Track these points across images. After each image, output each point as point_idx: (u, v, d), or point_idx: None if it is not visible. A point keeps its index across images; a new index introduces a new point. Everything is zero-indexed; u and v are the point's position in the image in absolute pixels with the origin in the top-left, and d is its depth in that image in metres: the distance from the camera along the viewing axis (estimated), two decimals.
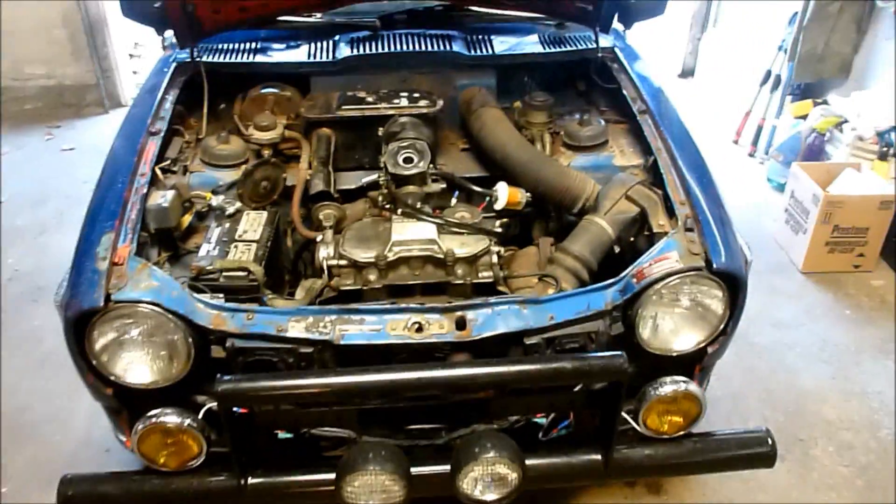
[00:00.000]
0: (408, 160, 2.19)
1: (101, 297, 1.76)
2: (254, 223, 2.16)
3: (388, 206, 2.16)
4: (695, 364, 2.06)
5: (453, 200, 2.25)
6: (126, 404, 1.95)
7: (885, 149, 3.93)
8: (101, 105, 5.69)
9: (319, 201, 2.20)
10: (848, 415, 2.95)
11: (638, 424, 1.93)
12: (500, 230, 2.10)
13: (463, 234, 2.04)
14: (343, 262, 1.98)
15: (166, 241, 2.18)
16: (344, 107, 2.37)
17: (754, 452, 2.00)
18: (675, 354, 1.95)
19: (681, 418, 1.95)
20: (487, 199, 2.25)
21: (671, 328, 1.94)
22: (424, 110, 2.38)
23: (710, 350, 2.00)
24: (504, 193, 2.20)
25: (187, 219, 2.22)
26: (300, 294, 2.12)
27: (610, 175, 2.38)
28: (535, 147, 2.36)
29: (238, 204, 2.21)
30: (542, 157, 2.30)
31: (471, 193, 2.28)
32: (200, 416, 1.83)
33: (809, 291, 3.71)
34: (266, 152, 2.34)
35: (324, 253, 2.00)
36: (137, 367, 1.83)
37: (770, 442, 1.98)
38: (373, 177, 2.33)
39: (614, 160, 2.44)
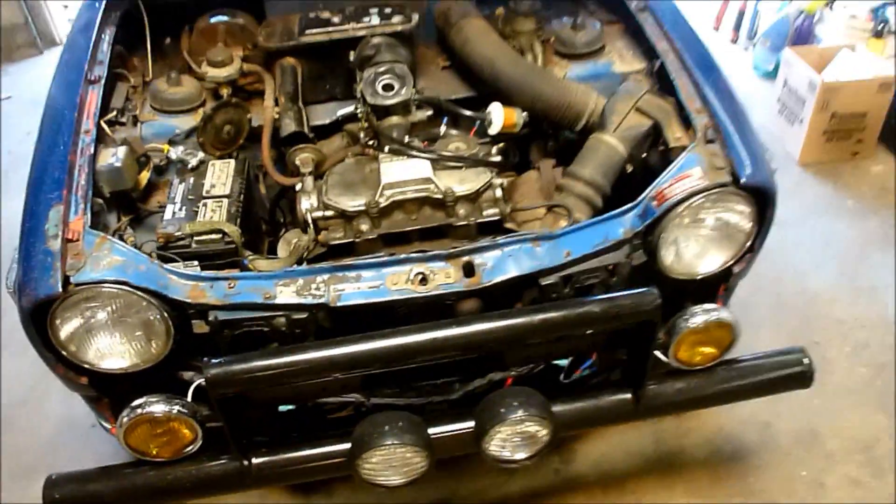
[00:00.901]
0: (388, 87, 1.94)
1: (58, 282, 1.53)
2: (221, 174, 1.91)
3: (371, 143, 1.92)
4: (719, 284, 1.91)
5: (442, 128, 2.01)
6: (105, 391, 1.75)
7: (880, 26, 3.72)
8: (35, 46, 5.22)
9: (293, 144, 1.95)
10: (860, 312, 2.86)
11: (668, 358, 1.79)
12: (500, 159, 1.87)
13: (460, 168, 1.81)
14: (329, 213, 1.75)
15: (124, 203, 1.93)
16: (307, 31, 2.08)
17: (791, 373, 1.87)
18: (699, 278, 1.79)
19: (714, 348, 1.81)
20: (479, 122, 2.02)
21: (696, 251, 1.77)
22: (399, 28, 2.10)
23: (736, 270, 1.85)
24: (499, 116, 1.96)
25: (145, 175, 1.97)
26: (283, 251, 1.91)
27: (611, 84, 2.15)
28: (526, 60, 2.10)
29: (200, 154, 1.95)
30: (538, 71, 2.05)
31: (460, 118, 2.04)
32: (189, 397, 1.65)
33: (809, 185, 3.56)
34: (224, 91, 2.07)
35: (306, 204, 1.77)
36: (112, 352, 1.63)
37: (807, 361, 1.86)
38: (349, 109, 2.07)
39: (614, 67, 2.20)
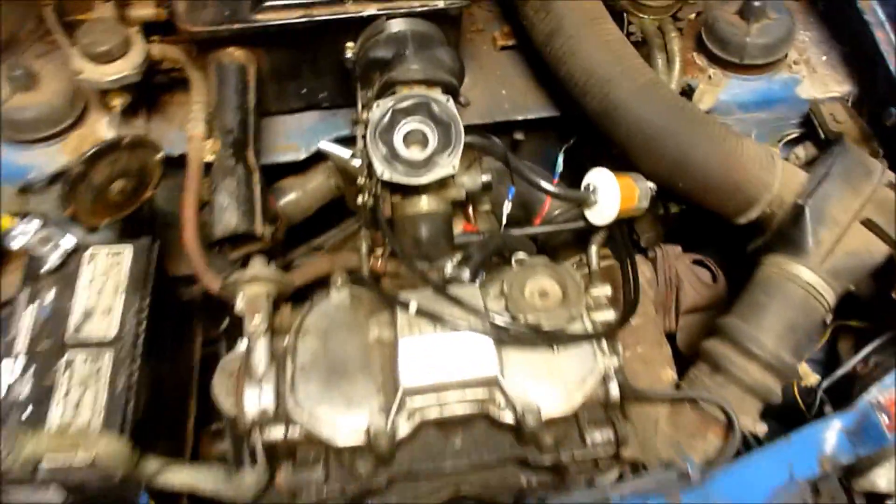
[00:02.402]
0: (416, 137, 1.04)
1: None
2: (106, 281, 1.06)
3: (378, 252, 1.07)
4: None
5: (506, 206, 1.14)
6: None
7: None
8: None
9: (233, 245, 1.07)
10: None
11: None
12: (613, 316, 1.03)
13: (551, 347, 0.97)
14: (298, 436, 0.92)
15: None
16: (268, 3, 1.11)
17: None
18: None
19: None
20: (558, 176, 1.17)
21: None
22: (441, 4, 1.14)
23: None
24: (612, 197, 1.09)
25: None
26: (220, 382, 1.09)
27: (788, 114, 1.28)
28: (670, 91, 1.17)
29: (68, 240, 1.07)
30: (690, 114, 1.12)
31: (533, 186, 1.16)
32: None
33: None
34: (116, 103, 1.14)
35: (252, 406, 0.93)
36: None
37: None
38: (341, 152, 1.18)
39: (799, 88, 1.29)
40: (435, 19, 1.15)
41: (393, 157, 1.01)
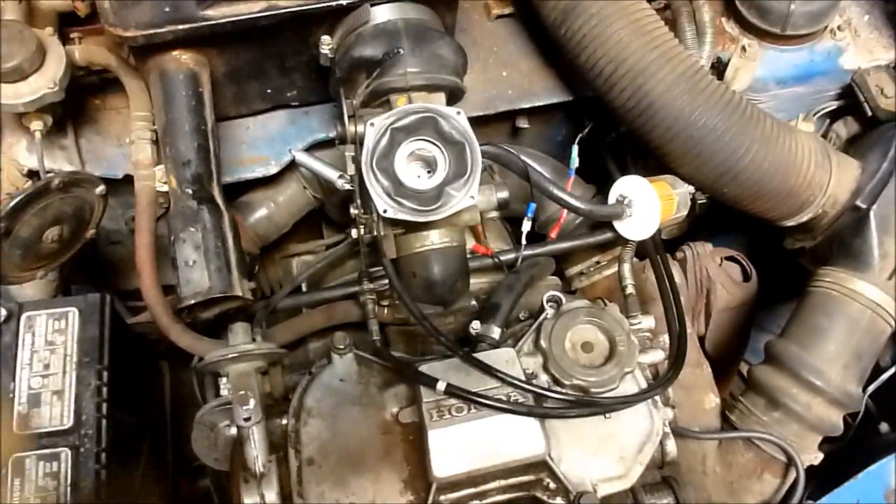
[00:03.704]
0: (420, 156, 0.85)
1: None
2: (52, 359, 0.87)
3: (380, 301, 0.90)
4: None
5: (525, 225, 0.97)
6: None
7: None
8: None
9: (205, 308, 0.87)
10: None
11: None
12: (661, 356, 0.90)
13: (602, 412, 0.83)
14: None
15: None
16: None
17: None
18: None
19: None
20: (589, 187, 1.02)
21: None
22: None
23: None
24: (651, 211, 0.94)
25: None
26: None
27: (827, 87, 1.13)
28: (715, 81, 0.97)
29: None
30: (743, 113, 0.95)
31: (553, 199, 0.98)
32: None
33: None
34: (35, 127, 0.91)
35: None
36: None
37: None
38: (325, 170, 0.98)
39: (842, 59, 1.13)
40: (428, 2, 0.94)
41: (397, 189, 0.83)
